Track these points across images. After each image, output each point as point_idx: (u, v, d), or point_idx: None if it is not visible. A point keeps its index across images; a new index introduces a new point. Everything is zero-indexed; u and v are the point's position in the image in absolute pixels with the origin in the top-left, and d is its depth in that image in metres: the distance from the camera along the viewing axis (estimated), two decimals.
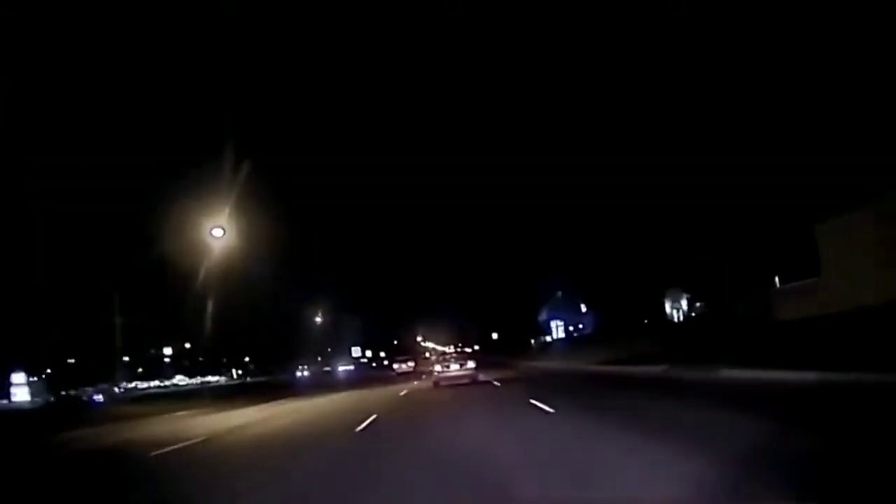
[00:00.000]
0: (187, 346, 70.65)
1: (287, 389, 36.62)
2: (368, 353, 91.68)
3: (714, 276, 38.54)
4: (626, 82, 38.84)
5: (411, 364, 57.98)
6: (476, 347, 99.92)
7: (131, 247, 42.36)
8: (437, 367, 24.50)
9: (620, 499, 4.49)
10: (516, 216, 67.69)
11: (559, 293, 62.36)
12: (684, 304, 43.74)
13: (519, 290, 66.94)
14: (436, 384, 22.72)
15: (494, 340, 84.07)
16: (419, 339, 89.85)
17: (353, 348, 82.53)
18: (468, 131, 72.14)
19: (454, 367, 23.59)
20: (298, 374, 72.87)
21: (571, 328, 65.50)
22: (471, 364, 23.54)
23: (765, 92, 27.51)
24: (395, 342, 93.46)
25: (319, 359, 77.35)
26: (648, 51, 34.51)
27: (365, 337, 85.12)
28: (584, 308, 62.37)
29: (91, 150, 42.42)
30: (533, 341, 70.72)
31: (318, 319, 56.03)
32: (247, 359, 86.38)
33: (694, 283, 43.06)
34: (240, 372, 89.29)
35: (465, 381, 22.10)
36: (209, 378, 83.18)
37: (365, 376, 54.32)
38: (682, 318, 43.04)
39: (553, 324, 68.55)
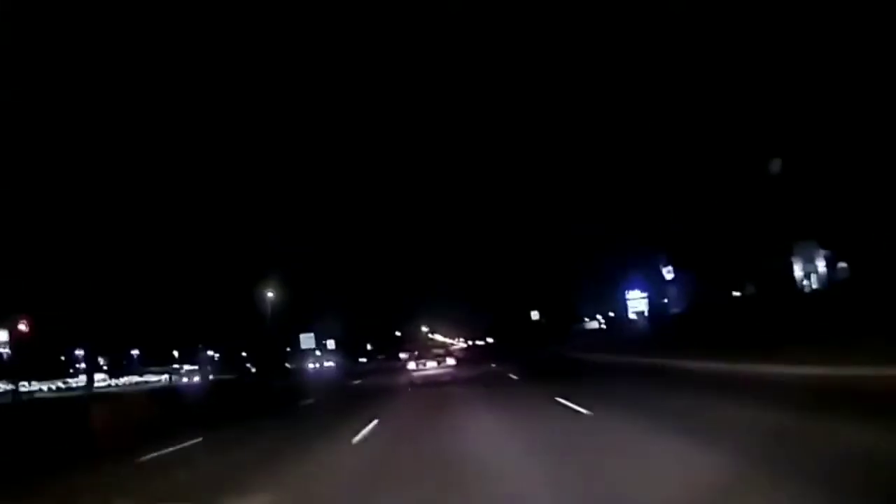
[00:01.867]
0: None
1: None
2: (331, 344, 67.68)
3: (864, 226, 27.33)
4: None
5: (416, 353, 54.20)
6: (489, 340, 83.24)
7: None
8: (412, 365, 23.46)
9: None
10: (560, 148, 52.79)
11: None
12: (821, 265, 31.07)
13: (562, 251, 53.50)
14: (411, 384, 21.67)
15: (535, 322, 65.37)
16: (425, 329, 77.42)
17: (304, 335, 58.01)
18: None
19: (431, 364, 22.86)
20: (185, 379, 57.18)
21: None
22: (450, 361, 23.38)
23: None
24: (399, 333, 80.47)
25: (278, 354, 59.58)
26: None
27: (350, 326, 68.19)
28: (669, 274, 41.08)
29: None
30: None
31: (270, 295, 43.04)
32: (217, 356, 73.65)
33: (834, 236, 30.54)
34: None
35: (446, 378, 21.53)
36: (150, 378, 70.28)
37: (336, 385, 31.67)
38: (818, 286, 30.47)
39: (630, 296, 45.15)
